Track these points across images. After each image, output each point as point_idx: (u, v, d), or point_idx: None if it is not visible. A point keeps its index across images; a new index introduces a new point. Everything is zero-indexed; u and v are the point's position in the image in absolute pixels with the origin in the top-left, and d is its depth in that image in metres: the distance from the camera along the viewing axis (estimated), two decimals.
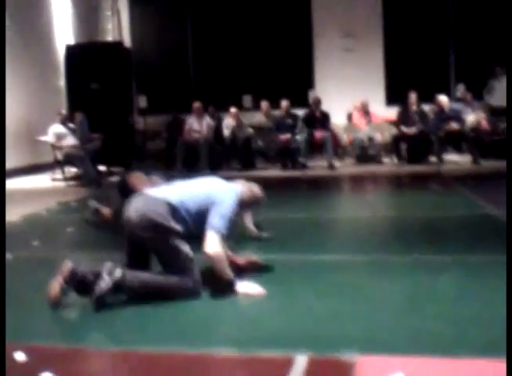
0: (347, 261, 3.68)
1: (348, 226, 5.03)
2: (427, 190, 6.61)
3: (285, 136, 9.16)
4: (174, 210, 2.91)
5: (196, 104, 9.55)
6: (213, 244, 2.87)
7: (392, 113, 10.19)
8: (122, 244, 3.06)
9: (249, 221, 4.17)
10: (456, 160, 9.21)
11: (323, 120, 9.27)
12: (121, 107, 10.11)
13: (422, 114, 9.23)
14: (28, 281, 3.49)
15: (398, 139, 9.16)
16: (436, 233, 4.38)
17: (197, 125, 9.40)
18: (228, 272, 2.95)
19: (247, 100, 11.36)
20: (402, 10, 10.88)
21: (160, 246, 2.91)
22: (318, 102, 9.31)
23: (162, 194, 3.00)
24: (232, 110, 9.42)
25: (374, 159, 9.55)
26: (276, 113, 9.99)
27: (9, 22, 8.80)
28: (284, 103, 9.47)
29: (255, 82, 11.38)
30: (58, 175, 8.56)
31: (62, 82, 10.22)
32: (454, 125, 8.90)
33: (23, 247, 4.26)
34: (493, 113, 9.49)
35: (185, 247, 2.92)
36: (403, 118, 9.21)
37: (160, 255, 2.96)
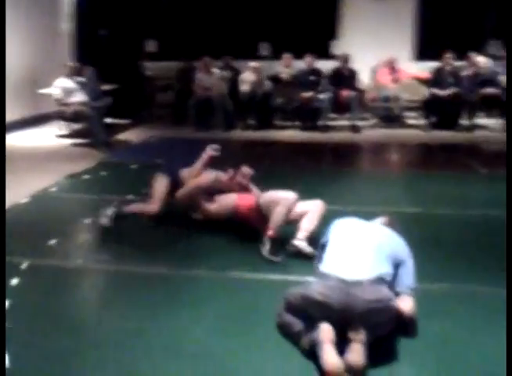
0: None
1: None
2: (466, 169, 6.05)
3: (307, 94, 8.51)
4: (385, 282, 2.59)
5: (204, 60, 8.78)
6: (412, 306, 2.64)
7: (421, 69, 9.56)
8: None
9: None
10: (487, 124, 8.68)
11: (351, 78, 8.59)
12: (131, 54, 9.36)
13: (456, 76, 8.54)
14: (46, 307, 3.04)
15: (429, 102, 8.52)
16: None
17: (207, 81, 8.69)
18: None
19: (265, 49, 10.57)
20: None
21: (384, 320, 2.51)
22: (346, 58, 8.60)
23: (372, 271, 2.55)
24: (253, 63, 8.69)
25: (399, 120, 8.98)
26: (298, 65, 9.28)
27: None
28: (308, 58, 8.75)
29: (274, 30, 10.52)
30: (62, 130, 7.97)
31: (66, 26, 9.37)
32: (491, 90, 8.26)
33: (38, 250, 3.75)
34: None
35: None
36: (436, 80, 8.53)
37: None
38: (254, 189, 4.05)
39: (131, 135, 8.16)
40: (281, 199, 3.63)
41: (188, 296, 3.15)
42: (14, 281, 3.25)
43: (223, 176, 4.07)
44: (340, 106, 8.57)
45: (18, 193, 4.95)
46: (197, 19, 10.71)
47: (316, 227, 3.63)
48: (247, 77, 8.66)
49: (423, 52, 10.04)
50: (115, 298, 3.17)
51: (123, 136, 8.06)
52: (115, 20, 9.07)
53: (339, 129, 8.57)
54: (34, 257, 3.61)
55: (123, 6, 9.12)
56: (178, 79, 9.58)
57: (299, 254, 3.54)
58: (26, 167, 6.03)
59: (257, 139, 8.08)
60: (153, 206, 4.16)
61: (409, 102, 9.14)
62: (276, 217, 3.59)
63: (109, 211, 4.08)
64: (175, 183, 4.17)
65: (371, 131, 8.49)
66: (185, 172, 4.21)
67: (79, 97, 7.30)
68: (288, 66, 9.35)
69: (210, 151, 4.18)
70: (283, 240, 3.63)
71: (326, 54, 9.81)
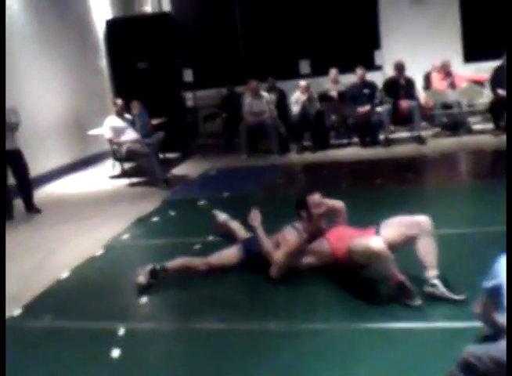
0: None
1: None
2: None
3: (364, 109, 8.04)
4: None
5: (253, 83, 8.37)
6: None
7: (473, 71, 9.06)
8: None
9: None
10: None
11: (408, 87, 8.09)
12: (172, 86, 9.04)
13: None
14: None
15: (494, 104, 7.96)
16: None
17: (256, 106, 8.29)
18: None
19: (305, 66, 10.18)
20: None
21: None
22: (401, 67, 8.09)
23: None
24: (302, 82, 8.25)
25: (463, 127, 8.41)
26: (344, 79, 8.87)
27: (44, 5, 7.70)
28: (359, 71, 8.28)
29: (312, 45, 10.14)
30: (115, 171, 7.61)
31: (103, 62, 9.14)
32: None
33: (131, 311, 3.33)
34: None
35: None
36: (499, 80, 7.97)
37: None
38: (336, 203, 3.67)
39: (185, 169, 7.78)
40: (375, 253, 3.03)
41: (316, 354, 2.68)
42: (115, 353, 2.82)
43: (301, 226, 3.59)
44: (400, 118, 8.06)
45: (90, 244, 4.60)
46: (232, 41, 10.44)
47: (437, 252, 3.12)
48: (299, 98, 8.23)
49: (471, 54, 9.55)
50: (233, 364, 2.70)
51: (177, 171, 7.69)
52: (154, 52, 8.77)
53: (401, 142, 8.05)
54: (130, 320, 3.19)
55: (162, 36, 8.83)
56: (223, 107, 9.22)
57: (433, 296, 3.03)
58: (90, 213, 5.67)
59: (317, 160, 7.63)
60: (205, 264, 3.68)
61: (470, 106, 8.65)
62: (387, 268, 3.06)
63: (147, 269, 3.58)
64: (251, 260, 3.72)
65: (437, 141, 7.95)
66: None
67: (131, 135, 6.94)
68: (336, 82, 8.94)
69: (254, 217, 3.75)
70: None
71: (369, 65, 9.33)
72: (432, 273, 3.03)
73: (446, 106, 8.47)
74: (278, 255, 3.51)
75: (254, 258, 3.69)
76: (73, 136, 8.17)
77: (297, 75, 9.68)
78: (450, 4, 9.53)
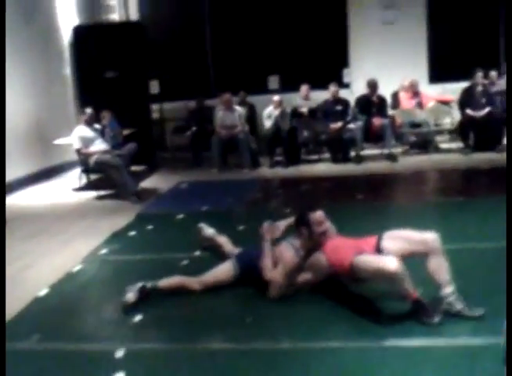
0: None
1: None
2: None
3: (336, 125, 8.03)
4: None
5: (226, 96, 8.24)
6: None
7: (436, 92, 9.26)
8: None
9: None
10: None
11: (381, 105, 8.14)
12: (139, 97, 8.76)
13: (488, 95, 8.17)
14: None
15: (464, 125, 8.11)
16: None
17: (229, 120, 8.15)
18: None
19: (274, 82, 10.12)
20: None
21: None
22: (375, 85, 8.14)
23: None
24: (276, 97, 8.19)
25: (431, 145, 8.51)
26: (317, 97, 8.84)
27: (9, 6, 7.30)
28: (332, 88, 8.30)
29: (281, 61, 10.11)
30: (81, 183, 7.25)
31: (67, 70, 8.78)
32: None
33: (127, 331, 3.06)
34: None
35: None
36: (468, 100, 8.14)
37: None
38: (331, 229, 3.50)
39: (154, 183, 7.50)
40: (392, 274, 2.86)
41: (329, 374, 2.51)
42: None
43: (299, 242, 3.45)
44: (372, 135, 8.09)
45: (65, 259, 4.30)
46: (200, 54, 10.29)
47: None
48: (272, 112, 8.13)
49: (436, 75, 9.76)
50: None
51: (145, 184, 7.38)
52: (123, 61, 8.48)
53: (372, 159, 8.07)
54: (126, 341, 2.93)
55: (133, 45, 8.57)
56: (191, 120, 9.00)
57: (449, 312, 2.93)
58: (59, 227, 5.34)
59: (290, 175, 7.53)
60: (198, 283, 3.49)
61: (436, 125, 8.81)
62: (404, 289, 2.91)
63: (136, 286, 3.37)
64: (245, 275, 3.55)
65: (407, 159, 8.03)
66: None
67: (100, 145, 6.63)
68: (306, 98, 8.89)
69: (268, 228, 3.59)
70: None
71: (337, 83, 9.30)
72: (448, 290, 2.93)
73: (414, 124, 8.59)
74: (276, 275, 3.36)
75: (249, 273, 3.52)
76: (34, 145, 7.73)
77: (266, 90, 9.63)
78: (417, 26, 9.73)
